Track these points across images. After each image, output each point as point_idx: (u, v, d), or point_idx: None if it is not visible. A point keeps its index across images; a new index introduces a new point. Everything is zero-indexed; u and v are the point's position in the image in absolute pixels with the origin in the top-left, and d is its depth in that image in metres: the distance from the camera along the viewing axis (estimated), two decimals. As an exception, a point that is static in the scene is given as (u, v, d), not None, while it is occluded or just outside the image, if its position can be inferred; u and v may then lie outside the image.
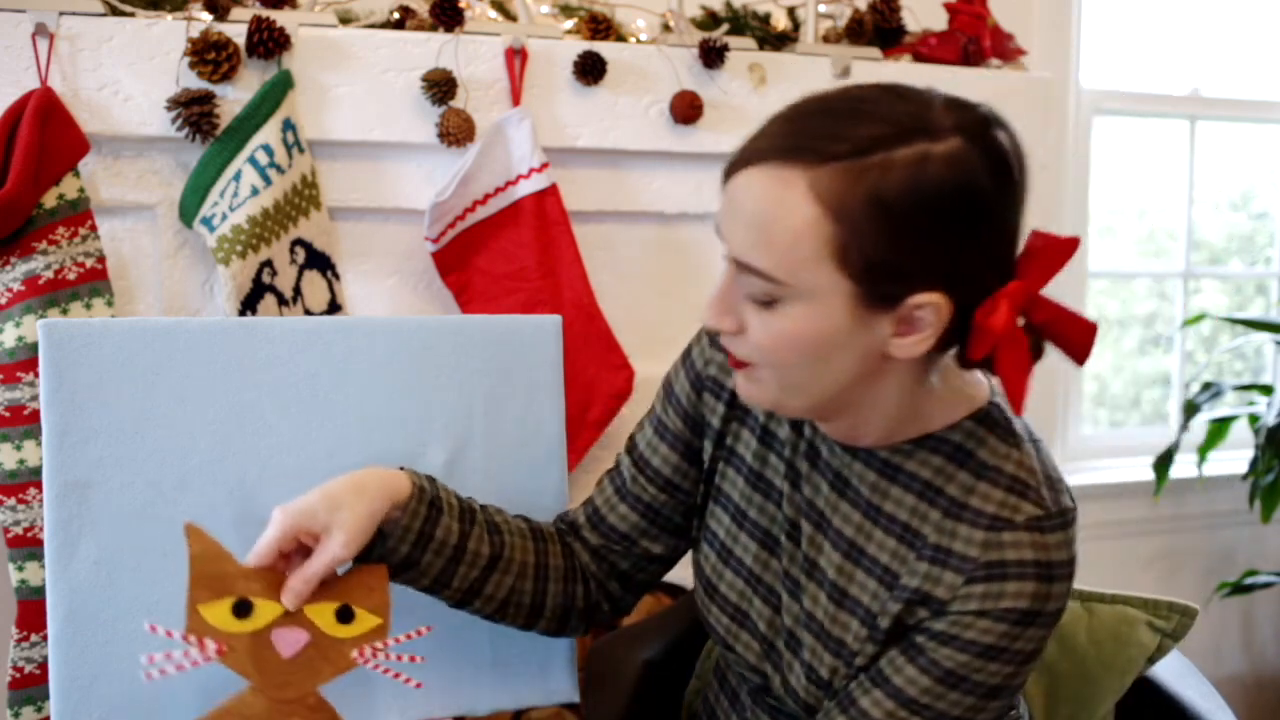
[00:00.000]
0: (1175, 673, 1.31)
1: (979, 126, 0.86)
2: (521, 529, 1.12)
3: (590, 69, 1.73)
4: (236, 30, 1.56)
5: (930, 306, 0.86)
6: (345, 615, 0.99)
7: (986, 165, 0.85)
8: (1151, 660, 1.24)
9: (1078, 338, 0.91)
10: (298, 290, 1.64)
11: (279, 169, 1.57)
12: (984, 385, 1.00)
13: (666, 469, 1.13)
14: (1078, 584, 1.33)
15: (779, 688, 1.05)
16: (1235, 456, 2.79)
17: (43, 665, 1.46)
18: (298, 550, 0.98)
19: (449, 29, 1.68)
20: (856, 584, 0.98)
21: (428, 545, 1.04)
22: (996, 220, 0.86)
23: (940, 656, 0.92)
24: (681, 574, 1.93)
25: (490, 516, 1.10)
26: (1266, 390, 2.70)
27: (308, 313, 1.65)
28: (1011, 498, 0.93)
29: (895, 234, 0.83)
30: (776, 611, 1.05)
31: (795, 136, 0.86)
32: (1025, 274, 0.89)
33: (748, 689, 1.13)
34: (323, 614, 0.98)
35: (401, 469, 1.06)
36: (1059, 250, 0.89)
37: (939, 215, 0.83)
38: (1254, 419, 2.65)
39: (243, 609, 0.96)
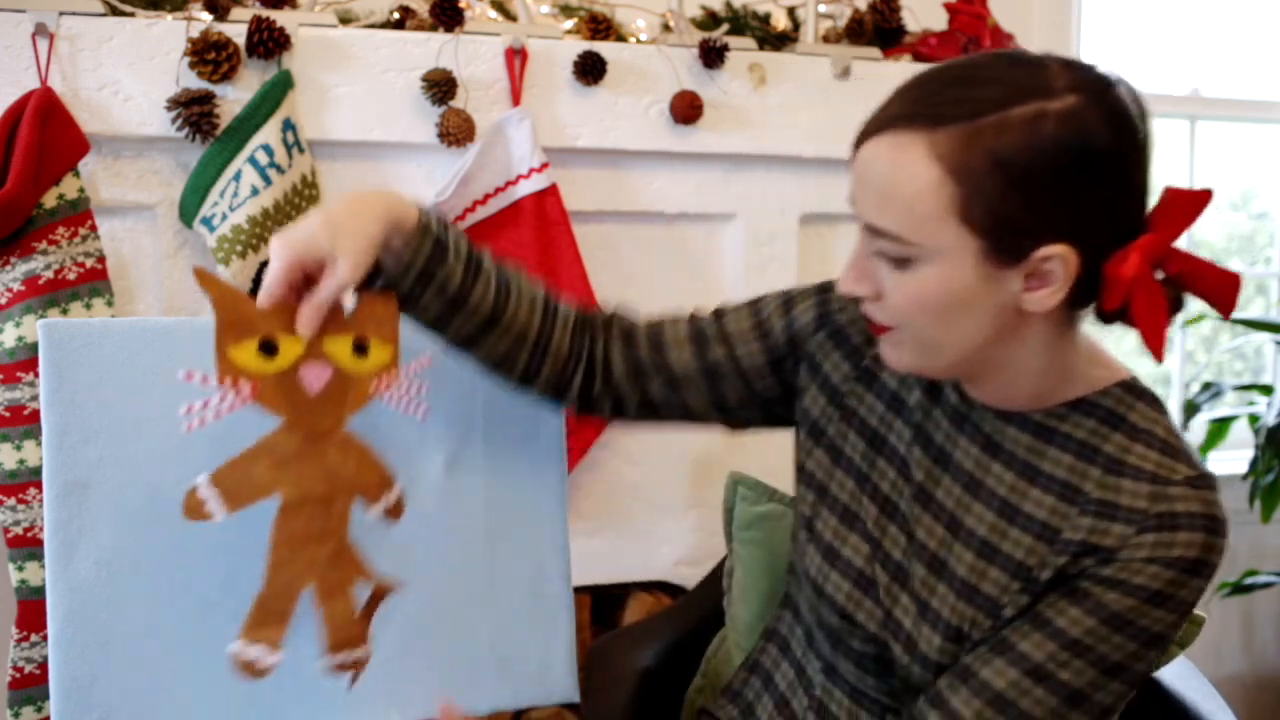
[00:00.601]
0: (1176, 673, 1.31)
1: (1096, 84, 0.89)
2: (533, 297, 1.10)
3: (590, 69, 1.73)
4: (236, 30, 1.56)
5: (1057, 258, 0.89)
6: (361, 348, 1.01)
7: (1105, 122, 0.87)
8: (1157, 666, 1.24)
9: (1220, 288, 0.93)
10: (298, 290, 1.64)
11: (279, 169, 1.57)
12: (1123, 364, 1.04)
13: (747, 361, 1.14)
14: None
15: (901, 655, 1.04)
16: (1235, 456, 2.79)
17: (43, 665, 1.46)
18: (306, 282, 0.99)
19: (449, 29, 1.68)
20: (1010, 540, 0.99)
21: (428, 284, 1.04)
22: (1119, 174, 0.89)
23: (1108, 600, 0.93)
24: (682, 574, 1.94)
25: (504, 275, 1.08)
26: (1266, 390, 2.70)
27: (308, 313, 1.64)
28: (1166, 459, 0.96)
29: (1017, 189, 0.86)
30: (899, 578, 1.05)
31: (913, 104, 0.90)
32: (1157, 227, 0.92)
33: (822, 664, 1.13)
34: (341, 348, 1.01)
35: (415, 205, 1.04)
36: (1191, 203, 0.92)
37: (1059, 170, 0.86)
38: (1254, 419, 2.65)
39: (268, 348, 0.97)
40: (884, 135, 0.90)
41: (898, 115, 0.90)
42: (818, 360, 1.13)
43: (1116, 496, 0.95)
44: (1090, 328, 1.01)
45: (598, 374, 1.15)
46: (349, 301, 1.01)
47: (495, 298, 1.07)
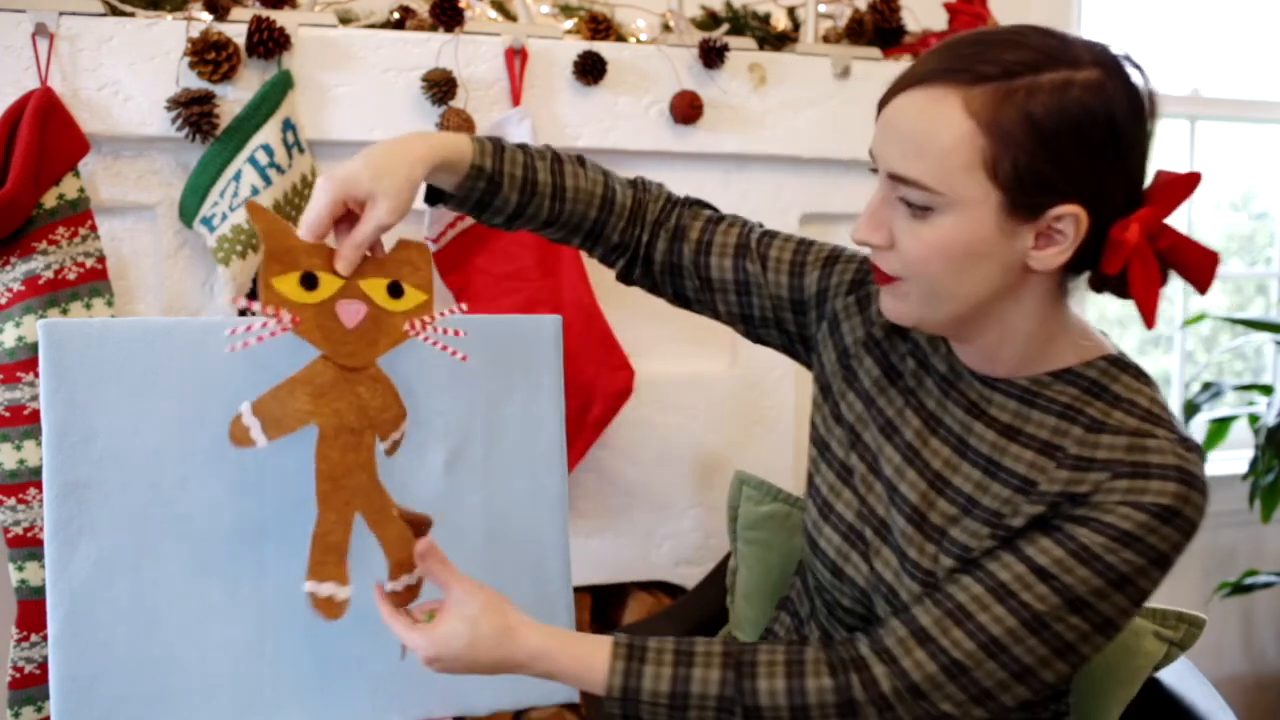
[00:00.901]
0: (1176, 674, 1.31)
1: (1115, 62, 0.94)
2: (590, 196, 1.18)
3: (590, 69, 1.73)
4: (236, 30, 1.56)
5: (1070, 218, 0.93)
6: (396, 291, 1.07)
7: (1124, 96, 0.93)
8: (1157, 667, 1.24)
9: (1200, 265, 0.98)
10: (298, 290, 1.63)
11: (279, 169, 1.57)
12: (1108, 340, 1.07)
13: (773, 289, 1.20)
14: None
15: (884, 609, 1.07)
16: (1235, 456, 2.79)
17: (43, 665, 1.46)
18: (346, 218, 1.05)
19: (449, 29, 1.68)
20: (990, 494, 1.02)
21: (486, 209, 1.14)
22: (1130, 147, 0.94)
23: (1078, 534, 0.95)
24: (682, 574, 1.94)
25: (560, 184, 1.16)
26: (1266, 390, 2.70)
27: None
28: (1147, 424, 0.98)
29: (1043, 147, 0.91)
30: (881, 533, 1.08)
31: (948, 61, 0.94)
32: (1153, 203, 0.97)
33: (819, 633, 1.15)
34: (376, 289, 1.06)
35: (471, 145, 1.11)
36: (1183, 183, 0.97)
37: (1082, 134, 0.91)
38: (1254, 419, 2.65)
39: (309, 281, 1.03)
40: (919, 89, 0.94)
41: (934, 70, 0.94)
42: (839, 320, 1.17)
43: (1094, 452, 0.98)
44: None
45: (639, 264, 1.23)
46: (387, 244, 1.06)
47: (550, 206, 1.15)
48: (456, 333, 1.10)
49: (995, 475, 1.02)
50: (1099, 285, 1.00)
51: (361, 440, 1.04)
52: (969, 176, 0.92)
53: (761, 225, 1.24)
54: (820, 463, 1.16)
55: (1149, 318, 0.97)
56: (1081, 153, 0.92)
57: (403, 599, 1.07)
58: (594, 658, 1.01)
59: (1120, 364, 1.03)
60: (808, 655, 1.01)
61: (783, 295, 1.20)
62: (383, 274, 1.07)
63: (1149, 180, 0.98)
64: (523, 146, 1.15)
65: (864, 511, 1.10)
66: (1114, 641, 1.24)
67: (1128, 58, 0.95)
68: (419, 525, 1.09)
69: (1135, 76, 0.95)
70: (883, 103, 0.98)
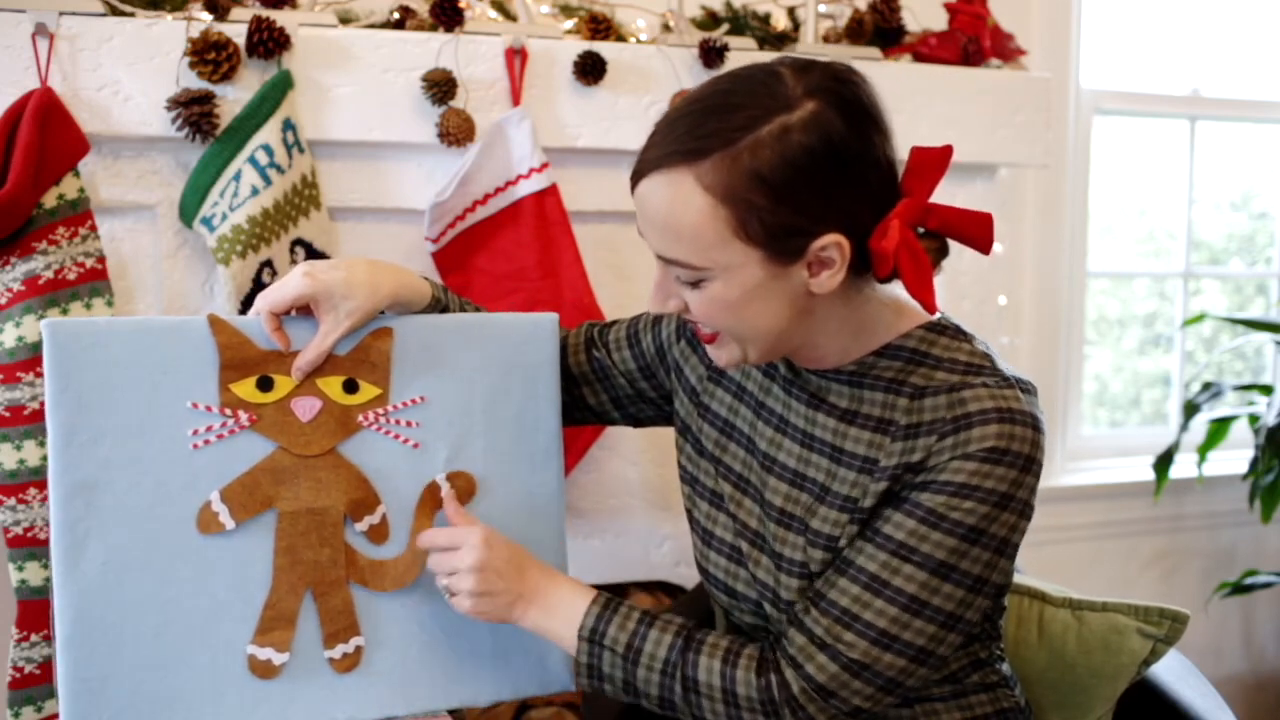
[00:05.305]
0: (1175, 673, 1.31)
1: (827, 83, 0.98)
2: None
3: (590, 69, 1.73)
4: (236, 30, 1.56)
5: (832, 246, 0.98)
6: (351, 387, 1.16)
7: (841, 117, 0.97)
8: (1146, 664, 1.24)
9: (976, 231, 1.03)
10: (298, 290, 1.63)
11: (279, 169, 1.57)
12: (926, 308, 1.08)
13: (622, 365, 1.29)
14: (1069, 590, 1.34)
15: (774, 613, 1.10)
16: (1235, 456, 2.79)
17: (42, 665, 1.46)
18: (303, 309, 1.15)
19: (449, 29, 1.68)
20: (839, 479, 1.07)
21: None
22: (865, 159, 0.98)
23: (921, 499, 1.01)
24: (682, 574, 1.94)
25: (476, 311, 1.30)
26: (1266, 390, 2.70)
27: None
28: (969, 376, 1.03)
29: (781, 200, 0.95)
30: (758, 544, 1.12)
31: (675, 141, 0.98)
32: (911, 190, 1.01)
33: None
34: (331, 385, 1.15)
35: (427, 279, 1.23)
36: (936, 161, 1.02)
37: (813, 173, 0.96)
38: (1254, 419, 2.65)
39: (265, 384, 1.13)
40: (656, 174, 0.98)
41: (664, 154, 0.97)
42: (680, 365, 1.25)
43: (920, 416, 1.03)
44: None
45: None
46: (344, 347, 1.16)
47: None
48: (410, 423, 1.17)
49: (840, 460, 1.07)
50: (883, 280, 1.04)
51: (324, 518, 1.14)
52: (725, 247, 0.97)
53: (593, 322, 1.34)
54: (694, 497, 1.21)
55: (926, 305, 1.00)
56: (817, 190, 0.96)
57: (340, 666, 1.15)
58: (579, 597, 1.11)
59: (938, 328, 1.07)
60: (746, 649, 1.07)
61: (631, 367, 1.29)
62: (339, 372, 1.15)
63: (903, 165, 1.01)
64: (454, 291, 1.29)
65: (738, 528, 1.15)
66: (1097, 640, 1.25)
67: (842, 69, 0.99)
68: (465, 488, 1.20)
69: (854, 86, 0.98)
70: (632, 184, 1.01)
